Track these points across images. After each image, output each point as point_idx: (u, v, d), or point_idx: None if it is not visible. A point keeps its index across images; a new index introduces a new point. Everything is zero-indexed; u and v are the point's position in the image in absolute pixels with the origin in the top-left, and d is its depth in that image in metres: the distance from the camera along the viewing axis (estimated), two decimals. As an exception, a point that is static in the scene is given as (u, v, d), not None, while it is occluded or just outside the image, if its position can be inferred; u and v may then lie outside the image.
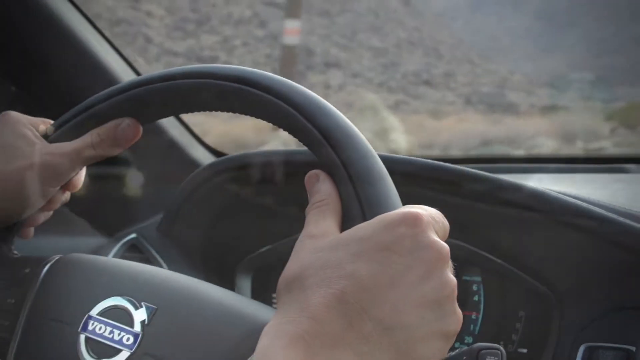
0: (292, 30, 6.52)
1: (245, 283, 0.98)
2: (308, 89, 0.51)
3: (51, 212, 0.63)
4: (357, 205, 0.46)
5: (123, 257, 0.98)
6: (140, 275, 0.58)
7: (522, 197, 0.75)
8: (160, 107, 0.57)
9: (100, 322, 0.54)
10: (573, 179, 1.09)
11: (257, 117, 0.53)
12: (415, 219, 0.42)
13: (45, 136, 0.58)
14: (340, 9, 12.92)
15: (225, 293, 0.56)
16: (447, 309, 0.42)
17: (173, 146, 1.11)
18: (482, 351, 0.43)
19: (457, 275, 0.44)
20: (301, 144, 0.50)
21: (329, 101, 0.50)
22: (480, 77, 12.24)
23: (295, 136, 0.50)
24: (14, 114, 0.58)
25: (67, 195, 0.63)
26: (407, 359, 0.40)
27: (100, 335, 0.53)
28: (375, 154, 0.48)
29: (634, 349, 0.70)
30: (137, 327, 0.53)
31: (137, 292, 0.55)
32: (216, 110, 0.55)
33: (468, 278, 0.85)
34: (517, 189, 0.76)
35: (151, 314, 0.53)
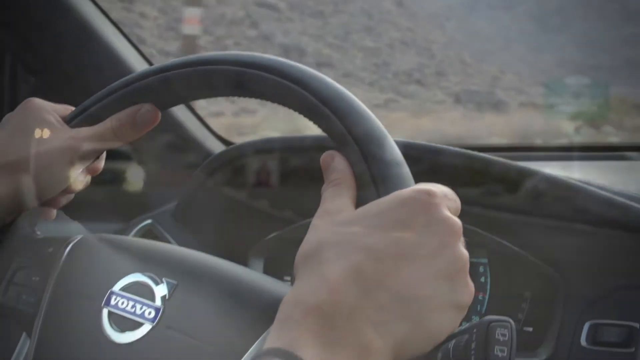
0: (192, 20, 6.26)
1: (258, 267, 0.99)
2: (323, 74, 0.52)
3: (72, 195, 0.64)
4: (371, 183, 0.47)
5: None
6: (160, 253, 0.59)
7: (536, 183, 0.77)
8: (180, 92, 0.58)
9: (123, 296, 0.55)
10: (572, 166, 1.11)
11: (277, 103, 0.53)
12: (428, 195, 0.43)
13: (67, 121, 0.59)
14: (334, 10, 12.92)
15: (242, 269, 0.57)
16: (460, 282, 0.43)
17: (187, 136, 1.12)
18: (492, 323, 0.43)
19: None
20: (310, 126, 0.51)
21: None
22: (472, 76, 12.26)
23: (309, 118, 0.51)
24: (37, 101, 0.59)
25: (88, 178, 0.63)
26: (421, 329, 0.41)
27: (123, 310, 0.54)
28: (388, 134, 0.49)
29: (637, 325, 0.72)
30: (159, 302, 0.54)
31: (158, 269, 0.56)
32: (234, 96, 0.56)
33: (475, 260, 0.86)
34: (532, 174, 0.77)
35: (172, 289, 0.54)
